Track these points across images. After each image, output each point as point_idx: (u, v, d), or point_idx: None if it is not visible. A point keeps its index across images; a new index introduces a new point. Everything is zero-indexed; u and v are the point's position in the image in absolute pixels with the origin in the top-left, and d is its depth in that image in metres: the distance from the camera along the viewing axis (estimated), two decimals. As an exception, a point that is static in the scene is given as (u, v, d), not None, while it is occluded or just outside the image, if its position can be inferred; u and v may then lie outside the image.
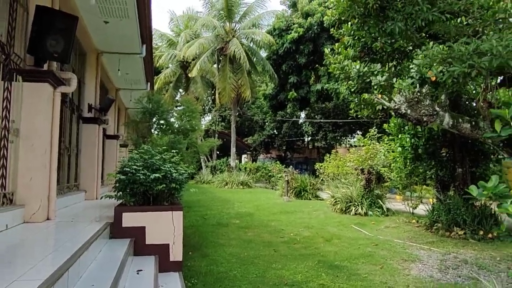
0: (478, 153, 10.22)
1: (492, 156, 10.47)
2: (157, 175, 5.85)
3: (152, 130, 10.75)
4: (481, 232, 8.98)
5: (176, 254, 5.85)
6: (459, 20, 5.58)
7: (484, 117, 4.55)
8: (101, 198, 6.32)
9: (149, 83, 12.78)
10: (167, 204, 6.19)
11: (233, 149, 27.49)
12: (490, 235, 8.89)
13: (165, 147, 7.18)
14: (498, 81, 5.89)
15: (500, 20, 5.37)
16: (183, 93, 30.03)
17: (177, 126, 10.58)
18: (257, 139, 36.54)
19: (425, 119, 4.73)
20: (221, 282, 5.90)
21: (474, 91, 9.56)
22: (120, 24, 7.51)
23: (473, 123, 4.65)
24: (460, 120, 4.70)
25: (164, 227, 5.84)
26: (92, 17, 7.26)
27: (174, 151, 7.27)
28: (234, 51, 24.15)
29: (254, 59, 27.19)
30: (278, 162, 29.08)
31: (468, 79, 4.18)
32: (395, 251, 7.94)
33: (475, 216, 9.22)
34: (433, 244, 8.61)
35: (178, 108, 11.76)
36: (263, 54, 29.64)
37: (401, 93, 4.79)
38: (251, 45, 27.43)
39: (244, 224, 10.66)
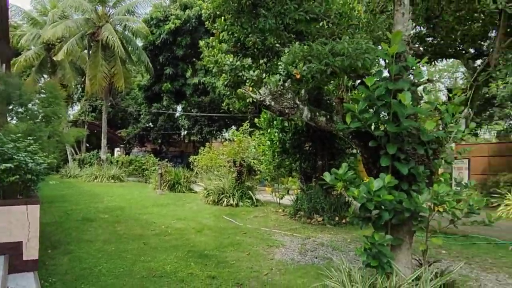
0: (335, 147, 11.36)
1: (347, 150, 11.75)
2: (8, 165, 5.32)
3: (9, 119, 9.62)
4: (337, 218, 10.05)
5: (30, 252, 5.42)
6: (321, 24, 6.16)
7: (337, 111, 5.09)
8: None
9: (4, 65, 11.34)
10: (21, 197, 5.66)
11: (104, 141, 25.88)
12: (344, 220, 9.98)
13: (20, 135, 6.50)
14: (357, 83, 6.65)
15: (353, 26, 6.08)
16: (49, 78, 27.21)
17: (37, 113, 9.62)
18: (131, 131, 34.99)
19: (287, 111, 5.08)
20: (84, 278, 5.59)
21: (334, 92, 10.59)
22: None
23: (328, 116, 5.15)
24: (317, 113, 5.17)
25: (16, 223, 5.35)
26: None
27: (31, 138, 6.63)
28: (107, 38, 22.62)
29: (129, 47, 25.87)
30: (153, 155, 28.32)
31: (324, 76, 4.64)
32: (261, 238, 8.39)
33: (332, 204, 10.26)
34: (296, 230, 9.33)
35: (42, 95, 10.66)
36: (140, 43, 28.42)
37: (266, 86, 5.08)
38: (126, 33, 26.04)
39: (113, 219, 10.18)
